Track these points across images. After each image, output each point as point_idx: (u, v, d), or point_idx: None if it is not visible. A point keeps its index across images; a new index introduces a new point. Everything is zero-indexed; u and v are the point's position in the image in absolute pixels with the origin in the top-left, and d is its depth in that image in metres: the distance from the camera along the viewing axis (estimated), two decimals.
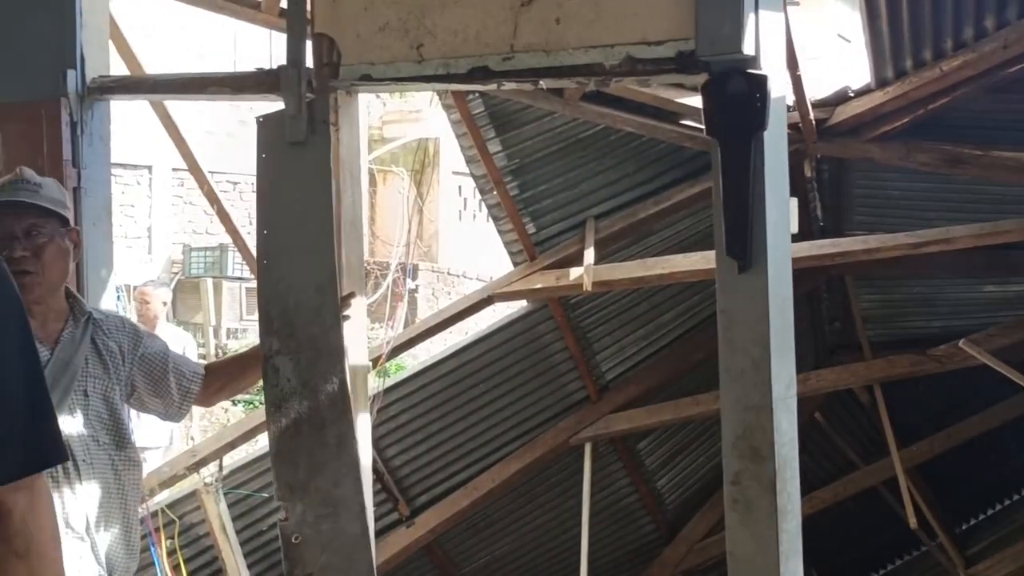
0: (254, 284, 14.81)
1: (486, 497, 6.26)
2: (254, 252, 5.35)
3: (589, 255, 5.50)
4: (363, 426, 3.21)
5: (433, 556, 6.50)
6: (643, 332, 6.35)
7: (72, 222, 2.73)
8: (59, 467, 2.27)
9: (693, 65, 2.55)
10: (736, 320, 2.60)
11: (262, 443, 6.32)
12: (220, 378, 2.95)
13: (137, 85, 3.49)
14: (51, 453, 1.43)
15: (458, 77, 2.84)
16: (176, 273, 15.17)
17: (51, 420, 1.44)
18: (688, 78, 2.72)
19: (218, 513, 5.45)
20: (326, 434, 2.86)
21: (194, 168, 5.07)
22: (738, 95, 2.51)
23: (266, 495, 6.02)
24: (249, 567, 5.61)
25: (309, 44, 3.03)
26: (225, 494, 5.47)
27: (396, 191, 16.44)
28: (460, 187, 17.74)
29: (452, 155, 16.34)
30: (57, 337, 2.52)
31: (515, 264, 5.94)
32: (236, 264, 13.76)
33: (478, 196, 17.15)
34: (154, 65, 4.70)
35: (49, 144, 3.39)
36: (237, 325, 14.12)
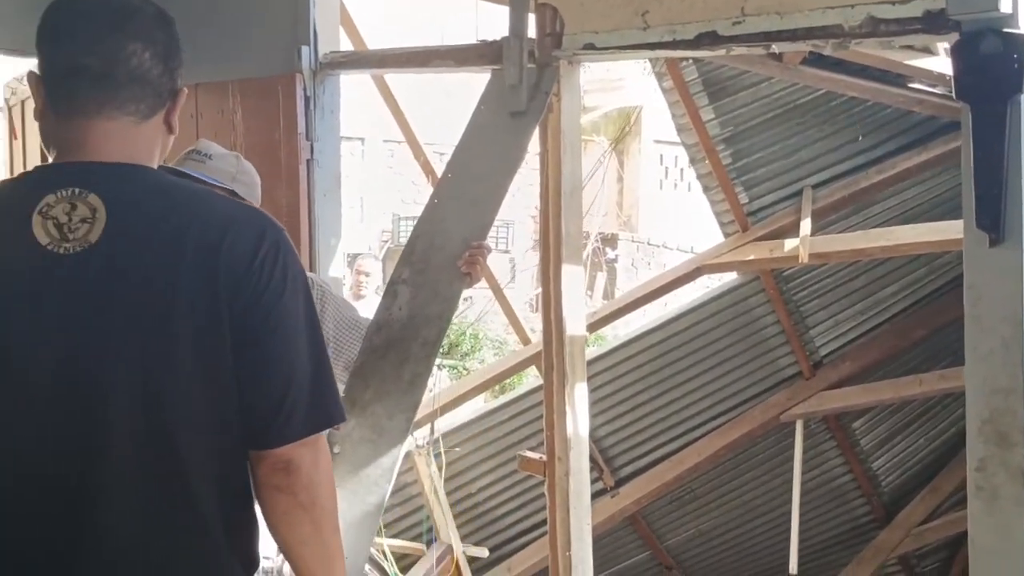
0: None
1: (691, 471, 6.19)
2: None
3: (806, 226, 5.31)
4: (581, 395, 3.23)
5: (637, 527, 6.50)
6: (860, 307, 6.08)
7: (243, 194, 2.52)
8: None
9: (942, 24, 2.38)
10: (985, 297, 2.43)
11: (468, 409, 6.50)
12: None
13: (365, 60, 3.60)
14: (332, 413, 1.51)
15: (684, 44, 2.77)
16: (386, 241, 15.72)
17: (331, 384, 1.53)
18: (936, 39, 2.54)
19: (429, 474, 5.63)
20: (404, 369, 2.97)
21: (411, 140, 5.21)
22: (992, 56, 2.33)
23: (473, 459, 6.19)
24: (457, 526, 5.79)
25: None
26: (435, 456, 5.65)
27: (596, 160, 16.41)
28: (662, 156, 17.51)
29: (654, 124, 16.17)
30: None
31: (726, 235, 5.80)
32: None
33: (680, 165, 17.00)
34: (371, 40, 4.86)
35: (285, 118, 3.55)
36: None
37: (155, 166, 1.54)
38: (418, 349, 3.00)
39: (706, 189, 5.69)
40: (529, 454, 3.71)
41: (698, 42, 2.74)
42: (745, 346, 6.04)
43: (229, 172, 2.59)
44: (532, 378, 6.99)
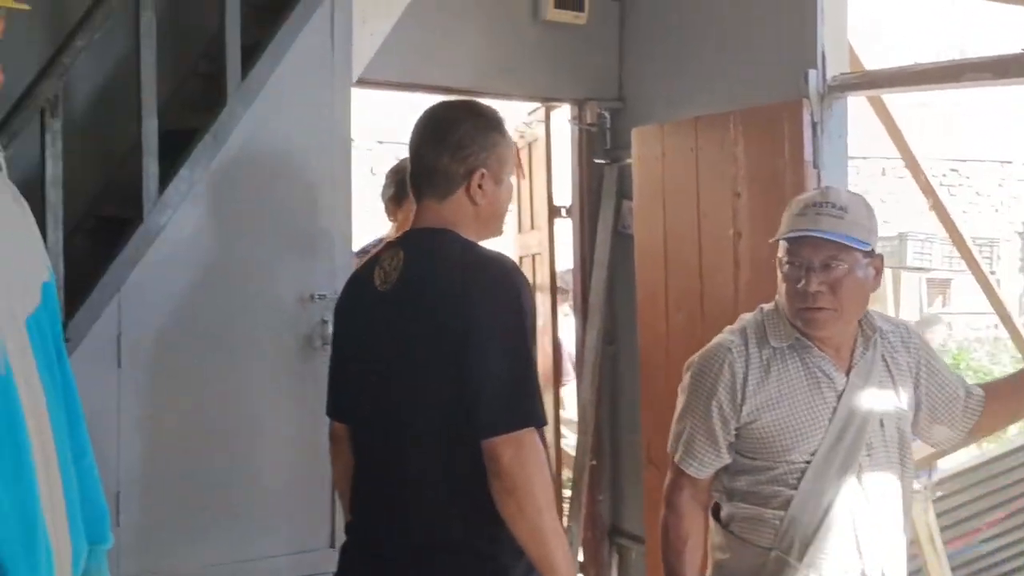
0: (936, 275, 14.07)
1: None
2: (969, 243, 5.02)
3: None
4: None
5: None
6: None
7: (875, 246, 2.19)
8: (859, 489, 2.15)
9: None
10: None
11: (977, 452, 5.89)
12: (999, 401, 2.35)
13: (879, 79, 3.35)
14: (527, 416, 1.87)
15: None
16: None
17: (529, 392, 1.90)
18: None
19: (926, 522, 5.17)
20: None
21: (909, 158, 4.83)
22: None
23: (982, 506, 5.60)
24: None
25: None
26: (934, 502, 5.18)
27: None
28: None
29: None
30: (850, 362, 2.19)
31: None
32: (915, 254, 13.19)
33: None
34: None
35: (790, 146, 3.41)
36: (917, 317, 13.54)
37: (467, 231, 2.03)
38: None
39: None
40: None
41: None
42: None
43: (868, 227, 2.16)
44: None
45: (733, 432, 2.18)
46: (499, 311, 1.91)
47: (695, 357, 2.26)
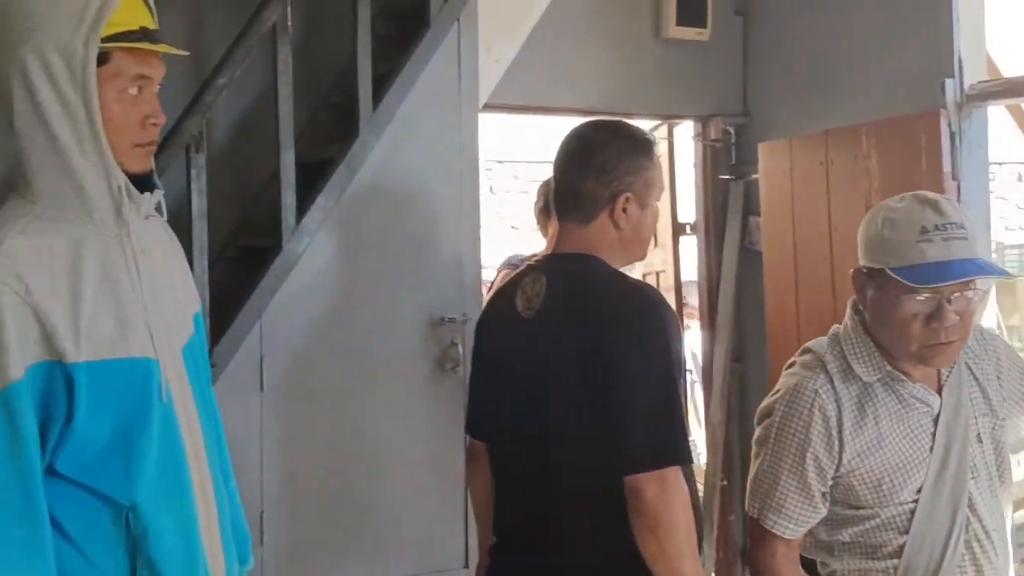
0: None
1: None
2: None
3: None
4: None
5: None
6: None
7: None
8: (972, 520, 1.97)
9: None
10: None
11: None
12: None
13: (1020, 87, 3.23)
14: (676, 455, 1.80)
15: None
16: None
17: (674, 429, 1.82)
18: None
19: None
20: None
21: None
22: None
23: None
24: None
25: None
26: None
27: None
28: None
29: None
30: (939, 381, 2.02)
31: None
32: None
33: None
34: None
35: (928, 158, 3.31)
36: None
37: (609, 255, 1.97)
38: None
39: None
40: None
41: None
42: None
43: (978, 239, 1.96)
44: None
45: (830, 482, 1.93)
46: (644, 345, 1.84)
47: (771, 404, 1.97)
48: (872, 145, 3.50)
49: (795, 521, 1.94)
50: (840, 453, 1.89)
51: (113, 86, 1.50)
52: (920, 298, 1.83)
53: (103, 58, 1.47)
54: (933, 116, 3.28)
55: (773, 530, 1.95)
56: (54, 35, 1.44)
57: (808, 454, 1.89)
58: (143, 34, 1.52)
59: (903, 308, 1.84)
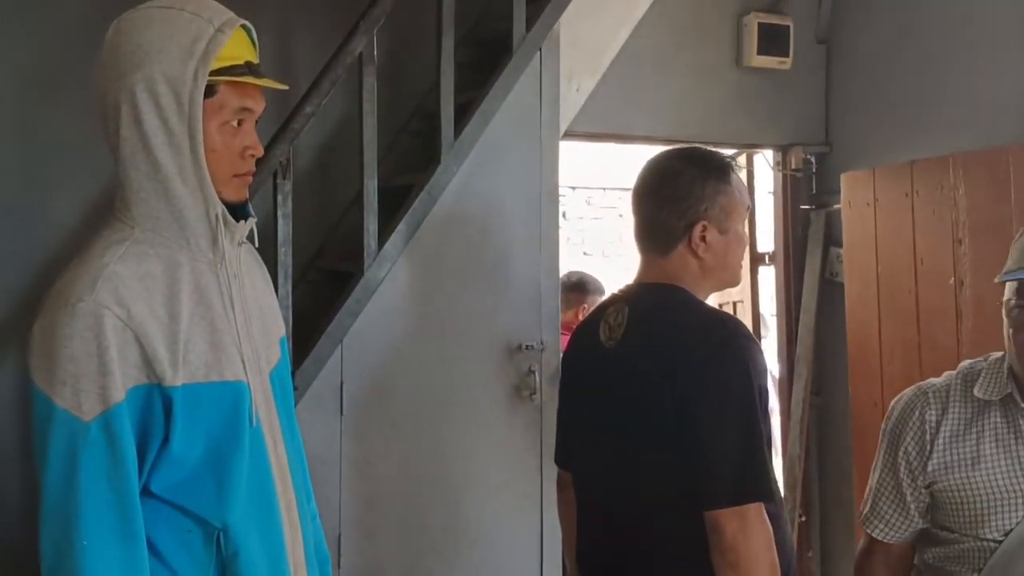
0: None
1: None
2: None
3: None
4: None
5: None
6: None
7: None
8: None
9: None
10: None
11: None
12: None
13: None
14: (758, 491, 1.78)
15: None
16: None
17: (757, 466, 1.79)
18: None
19: None
20: None
21: None
22: None
23: None
24: None
25: None
26: None
27: None
28: None
29: None
30: None
31: None
32: None
33: None
34: None
35: (1017, 190, 3.23)
36: None
37: (694, 285, 1.95)
38: None
39: None
40: None
41: None
42: None
43: None
44: None
45: (925, 492, 1.88)
46: (725, 378, 1.80)
47: (891, 407, 1.98)
48: (960, 177, 3.43)
49: (886, 523, 1.93)
50: (928, 459, 1.86)
51: (217, 118, 1.53)
52: (1019, 306, 1.77)
53: (209, 91, 1.51)
54: (1020, 149, 3.21)
55: (867, 530, 1.97)
56: (164, 66, 1.48)
57: (901, 452, 1.89)
58: (247, 68, 1.56)
59: (1013, 320, 1.79)
